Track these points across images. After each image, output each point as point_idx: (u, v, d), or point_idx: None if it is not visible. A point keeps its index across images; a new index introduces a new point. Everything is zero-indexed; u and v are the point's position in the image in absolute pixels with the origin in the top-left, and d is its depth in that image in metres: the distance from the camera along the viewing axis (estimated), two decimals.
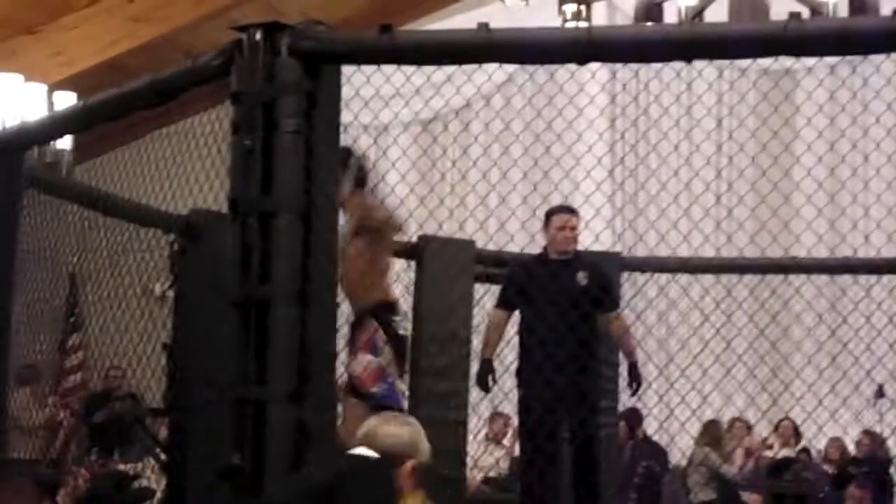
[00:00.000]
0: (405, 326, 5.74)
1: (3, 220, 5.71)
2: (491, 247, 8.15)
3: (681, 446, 9.64)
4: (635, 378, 6.68)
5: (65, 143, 6.86)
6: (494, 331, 6.67)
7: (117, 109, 5.02)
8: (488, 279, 7.67)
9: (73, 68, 8.59)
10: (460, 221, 9.55)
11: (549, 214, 6.67)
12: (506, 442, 10.23)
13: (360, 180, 5.74)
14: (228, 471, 4.06)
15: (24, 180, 5.70)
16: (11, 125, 6.01)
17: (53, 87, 7.04)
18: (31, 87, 6.72)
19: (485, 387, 6.67)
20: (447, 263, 7.21)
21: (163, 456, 6.27)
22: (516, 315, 6.76)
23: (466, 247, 7.62)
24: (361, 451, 3.61)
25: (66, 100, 6.66)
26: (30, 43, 8.54)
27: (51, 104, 6.88)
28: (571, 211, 6.74)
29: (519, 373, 6.62)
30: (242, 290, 4.24)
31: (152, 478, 7.02)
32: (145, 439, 6.68)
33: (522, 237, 7.59)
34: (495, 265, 7.57)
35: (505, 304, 6.67)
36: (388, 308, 5.62)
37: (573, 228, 6.58)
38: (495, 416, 10.13)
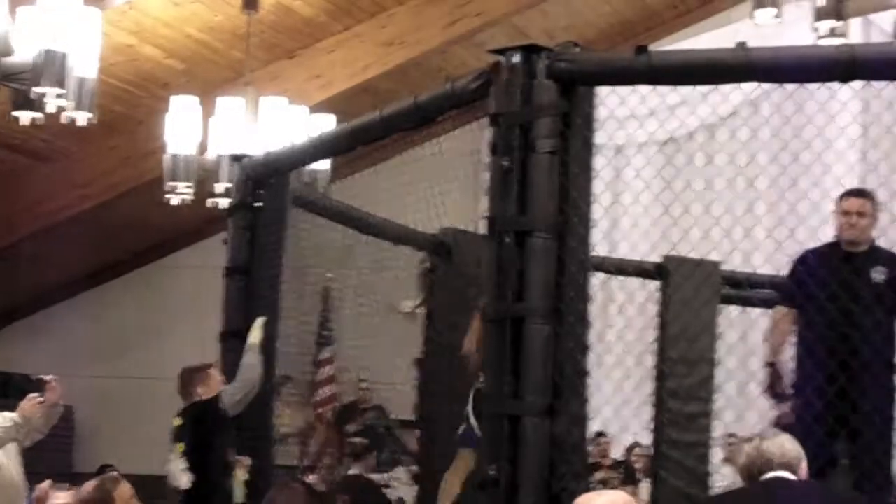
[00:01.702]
0: None
1: (273, 236, 6.02)
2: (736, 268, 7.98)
3: None
4: None
5: (322, 163, 7.13)
6: (777, 330, 5.74)
7: (380, 131, 5.23)
8: (736, 301, 7.57)
9: (330, 91, 8.95)
10: (697, 242, 9.39)
11: (837, 202, 5.73)
12: None
13: None
14: (485, 482, 4.15)
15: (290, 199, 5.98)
16: (280, 146, 6.30)
17: (312, 109, 7.33)
18: (294, 109, 7.01)
19: (775, 394, 5.74)
20: (694, 285, 7.12)
21: (413, 466, 6.44)
22: None
23: (713, 268, 7.52)
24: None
25: (325, 121, 6.91)
26: (290, 67, 8.95)
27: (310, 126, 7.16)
28: (861, 194, 5.72)
29: (795, 380, 5.69)
30: (498, 307, 4.32)
31: (402, 488, 7.23)
32: (396, 450, 6.88)
33: (769, 261, 7.40)
34: (746, 287, 7.45)
35: (788, 298, 5.72)
36: None
37: (861, 215, 5.54)
38: (730, 437, 9.84)
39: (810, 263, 5.57)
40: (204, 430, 5.86)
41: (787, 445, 3.56)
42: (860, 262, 5.49)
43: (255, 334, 5.94)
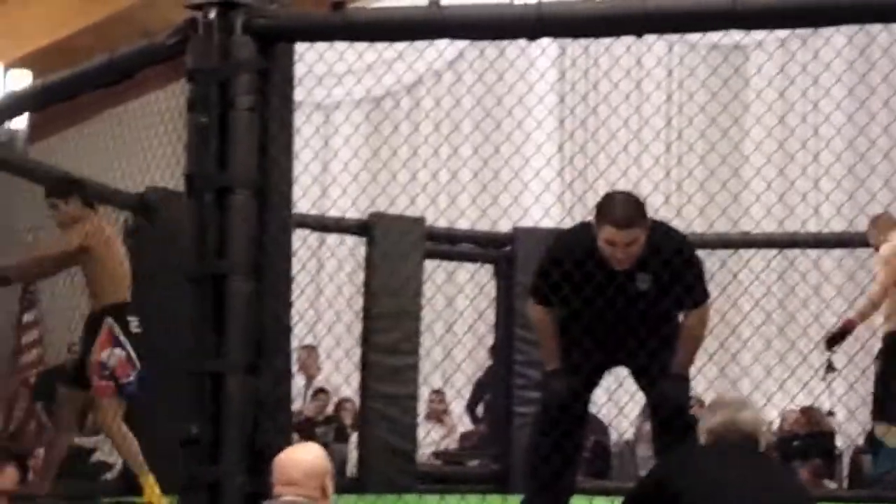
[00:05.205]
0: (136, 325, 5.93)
1: None
2: (442, 223, 8.24)
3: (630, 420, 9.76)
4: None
5: (20, 122, 6.88)
6: (543, 331, 4.89)
7: (75, 88, 5.07)
8: (439, 256, 7.82)
9: (26, 48, 8.56)
10: (411, 198, 9.64)
11: (599, 215, 4.69)
12: (446, 419, 10.27)
13: (87, 200, 6.02)
14: (186, 441, 4.15)
15: None
16: None
17: (8, 67, 7.04)
18: None
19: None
20: (397, 240, 7.31)
21: None
22: None
23: (416, 224, 7.72)
24: None
25: (22, 78, 6.66)
26: None
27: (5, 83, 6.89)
28: (630, 223, 4.62)
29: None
30: (199, 264, 4.32)
31: (107, 450, 7.10)
32: None
33: (473, 212, 7.69)
34: (447, 242, 7.71)
35: (540, 298, 4.87)
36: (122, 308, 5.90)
37: (629, 245, 4.62)
38: (434, 393, 10.14)
39: (565, 261, 4.72)
40: None
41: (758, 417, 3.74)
42: (624, 274, 4.68)
43: None
